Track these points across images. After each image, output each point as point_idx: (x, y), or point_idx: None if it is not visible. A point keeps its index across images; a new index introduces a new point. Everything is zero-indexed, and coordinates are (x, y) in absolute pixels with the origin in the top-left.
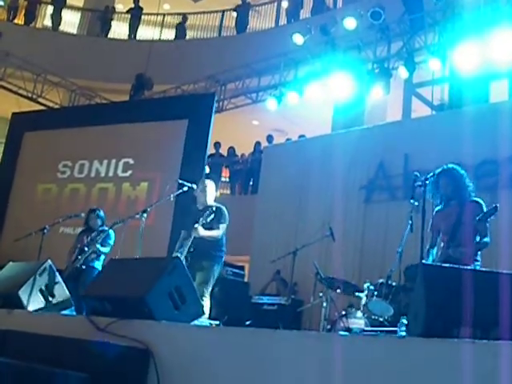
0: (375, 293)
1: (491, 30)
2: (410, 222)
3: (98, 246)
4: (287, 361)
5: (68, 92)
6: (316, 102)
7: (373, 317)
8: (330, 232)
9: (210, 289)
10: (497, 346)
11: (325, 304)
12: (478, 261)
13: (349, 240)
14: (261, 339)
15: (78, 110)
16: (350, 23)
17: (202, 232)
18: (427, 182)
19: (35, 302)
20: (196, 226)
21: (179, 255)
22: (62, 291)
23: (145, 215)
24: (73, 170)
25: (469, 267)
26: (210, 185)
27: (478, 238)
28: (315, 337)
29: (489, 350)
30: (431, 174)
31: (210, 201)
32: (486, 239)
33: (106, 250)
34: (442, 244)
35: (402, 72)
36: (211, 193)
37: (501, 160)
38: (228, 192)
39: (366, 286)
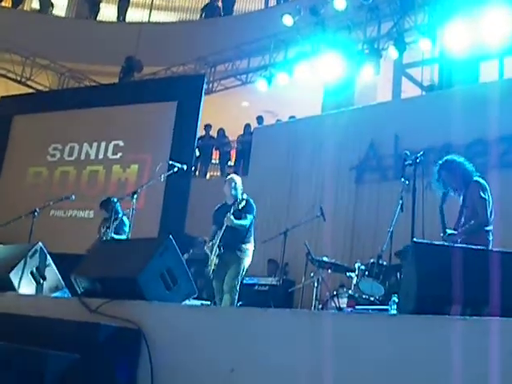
0: (366, 273)
1: (481, 10)
2: (401, 201)
3: (112, 234)
4: (279, 338)
5: (57, 75)
6: (306, 83)
7: (364, 296)
8: (321, 212)
9: (240, 281)
10: (487, 323)
11: (316, 284)
12: (488, 232)
13: (340, 220)
14: (252, 318)
15: (67, 93)
16: (340, 3)
17: (235, 221)
18: (418, 160)
19: (26, 285)
20: (228, 214)
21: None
22: (53, 273)
23: (135, 197)
24: (63, 152)
25: (460, 245)
26: (238, 180)
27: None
28: (306, 314)
29: (479, 327)
30: (421, 152)
31: (240, 195)
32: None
33: (122, 237)
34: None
35: (392, 52)
36: (240, 186)
37: (491, 140)
38: (218, 174)
39: (356, 265)
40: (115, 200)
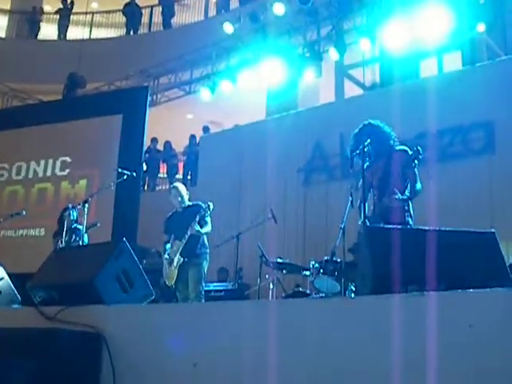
0: (321, 270)
1: (419, 8)
2: (351, 198)
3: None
4: (240, 329)
5: (0, 95)
6: (249, 90)
7: (320, 294)
8: (272, 214)
9: (203, 285)
10: (444, 297)
11: (272, 286)
12: (408, 211)
13: (291, 222)
14: (211, 312)
15: (11, 112)
16: (279, 9)
17: (201, 229)
18: (365, 149)
19: None
20: (193, 224)
21: (168, 256)
22: (7, 287)
23: (86, 206)
24: (10, 172)
25: (403, 223)
26: (180, 186)
27: (408, 187)
28: (266, 303)
29: (435, 302)
30: (368, 141)
31: (187, 201)
32: (418, 186)
33: None
34: (374, 197)
35: (333, 54)
36: (185, 193)
37: (433, 133)
38: (167, 187)
39: (311, 264)
40: (73, 209)
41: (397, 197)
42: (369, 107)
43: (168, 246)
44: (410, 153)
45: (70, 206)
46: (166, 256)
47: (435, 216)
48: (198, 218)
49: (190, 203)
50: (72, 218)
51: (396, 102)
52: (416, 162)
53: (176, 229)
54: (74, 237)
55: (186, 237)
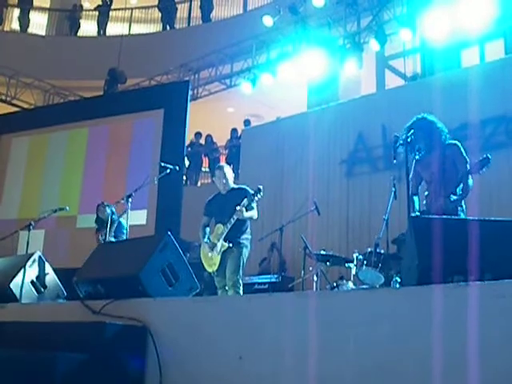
0: (365, 262)
1: None
2: (394, 189)
3: (112, 238)
4: (286, 321)
5: (42, 92)
6: (290, 82)
7: (364, 286)
8: (315, 206)
9: (241, 274)
10: (492, 287)
11: (315, 278)
12: (461, 206)
13: (334, 214)
14: (257, 304)
15: (53, 109)
16: (318, 0)
17: (246, 214)
18: (409, 140)
19: (27, 294)
20: (238, 208)
21: (208, 241)
22: (53, 282)
23: (130, 200)
24: None
25: (455, 217)
26: (227, 169)
27: (461, 186)
28: (312, 295)
29: (484, 292)
30: (411, 131)
31: (232, 183)
32: (470, 182)
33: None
34: (427, 193)
35: (374, 45)
36: (230, 175)
37: (476, 123)
38: (209, 181)
39: (354, 256)
40: (109, 205)
41: (452, 199)
42: (410, 98)
43: (208, 229)
44: (463, 150)
45: (105, 203)
46: (207, 240)
47: (479, 206)
48: (246, 203)
49: (235, 186)
50: (108, 212)
51: (438, 92)
52: (484, 169)
53: (219, 212)
54: (117, 231)
55: (232, 221)
